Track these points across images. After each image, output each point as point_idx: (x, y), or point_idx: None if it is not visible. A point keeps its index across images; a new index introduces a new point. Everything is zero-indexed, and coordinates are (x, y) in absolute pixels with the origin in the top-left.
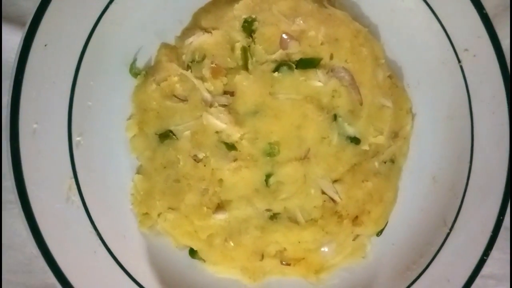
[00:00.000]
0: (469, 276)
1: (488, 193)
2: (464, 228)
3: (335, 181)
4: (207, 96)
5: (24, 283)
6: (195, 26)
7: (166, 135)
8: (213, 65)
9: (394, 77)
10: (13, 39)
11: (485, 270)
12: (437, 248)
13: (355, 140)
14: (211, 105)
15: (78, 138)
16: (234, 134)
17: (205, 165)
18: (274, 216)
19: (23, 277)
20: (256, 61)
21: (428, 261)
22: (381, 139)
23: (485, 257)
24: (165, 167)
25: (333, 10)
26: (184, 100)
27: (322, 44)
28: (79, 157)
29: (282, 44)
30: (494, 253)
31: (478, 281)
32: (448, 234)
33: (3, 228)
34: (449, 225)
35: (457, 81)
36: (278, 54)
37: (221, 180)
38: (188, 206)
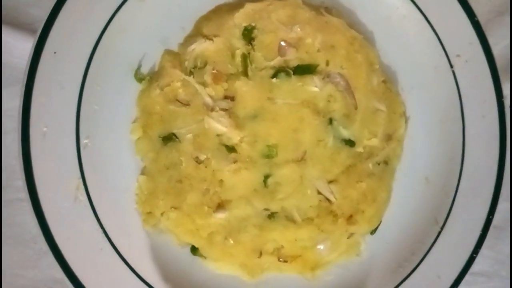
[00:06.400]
0: (459, 273)
1: (478, 193)
2: (455, 227)
3: (330, 181)
4: (209, 100)
5: (33, 278)
6: (197, 33)
7: (169, 138)
8: (214, 71)
9: (388, 82)
10: (24, 45)
11: (475, 267)
12: (428, 246)
13: (350, 143)
14: (212, 109)
15: (85, 141)
16: (234, 137)
17: (206, 167)
18: (272, 215)
19: (33, 271)
20: (256, 68)
21: (420, 258)
22: (375, 142)
23: (474, 255)
24: (168, 168)
25: (329, 18)
26: (186, 104)
27: (318, 51)
28: (86, 159)
29: (280, 51)
30: (484, 251)
31: (468, 278)
32: (439, 233)
33: (14, 225)
34: (441, 224)
35: (449, 86)
36: (277, 61)
37: (221, 181)
38: (190, 206)
